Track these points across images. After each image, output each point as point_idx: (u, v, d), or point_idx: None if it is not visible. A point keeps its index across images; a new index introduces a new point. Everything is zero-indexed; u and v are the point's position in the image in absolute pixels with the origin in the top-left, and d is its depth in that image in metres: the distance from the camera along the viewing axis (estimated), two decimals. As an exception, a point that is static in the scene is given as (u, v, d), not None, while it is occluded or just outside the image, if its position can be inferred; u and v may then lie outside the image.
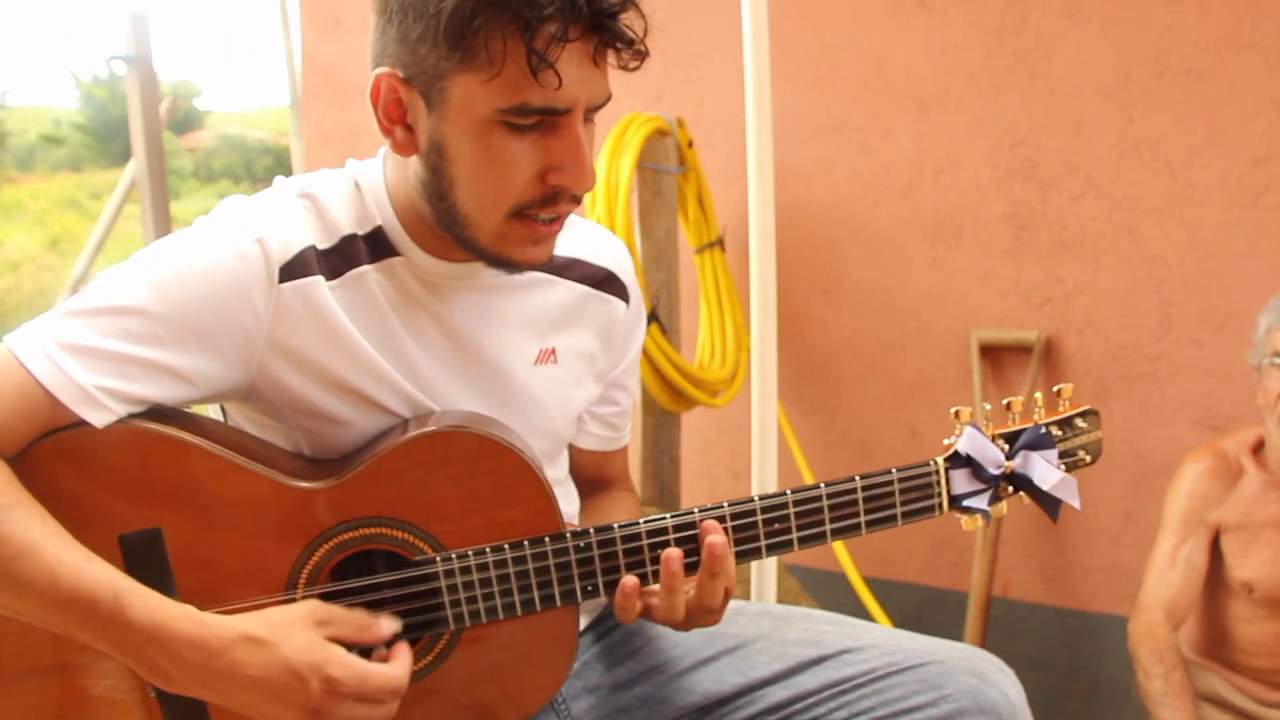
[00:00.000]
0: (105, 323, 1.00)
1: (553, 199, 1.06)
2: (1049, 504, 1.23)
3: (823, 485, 1.15)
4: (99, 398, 0.99)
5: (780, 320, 2.74)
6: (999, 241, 2.48)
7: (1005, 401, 1.25)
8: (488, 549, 1.08)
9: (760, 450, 1.73)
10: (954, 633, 2.33)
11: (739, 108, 2.65)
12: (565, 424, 1.28)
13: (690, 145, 2.57)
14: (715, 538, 1.10)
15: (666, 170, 2.44)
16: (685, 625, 1.14)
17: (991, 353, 2.52)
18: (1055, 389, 1.29)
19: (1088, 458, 1.29)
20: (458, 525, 1.09)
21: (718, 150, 2.70)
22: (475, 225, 1.07)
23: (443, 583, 1.08)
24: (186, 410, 1.10)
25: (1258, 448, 1.95)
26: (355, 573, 1.08)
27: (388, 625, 1.05)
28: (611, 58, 1.03)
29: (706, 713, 1.28)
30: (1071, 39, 2.32)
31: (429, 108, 1.03)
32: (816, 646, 1.26)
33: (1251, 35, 2.18)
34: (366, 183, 1.14)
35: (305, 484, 1.06)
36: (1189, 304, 2.32)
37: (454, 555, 1.08)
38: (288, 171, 1.89)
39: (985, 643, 2.44)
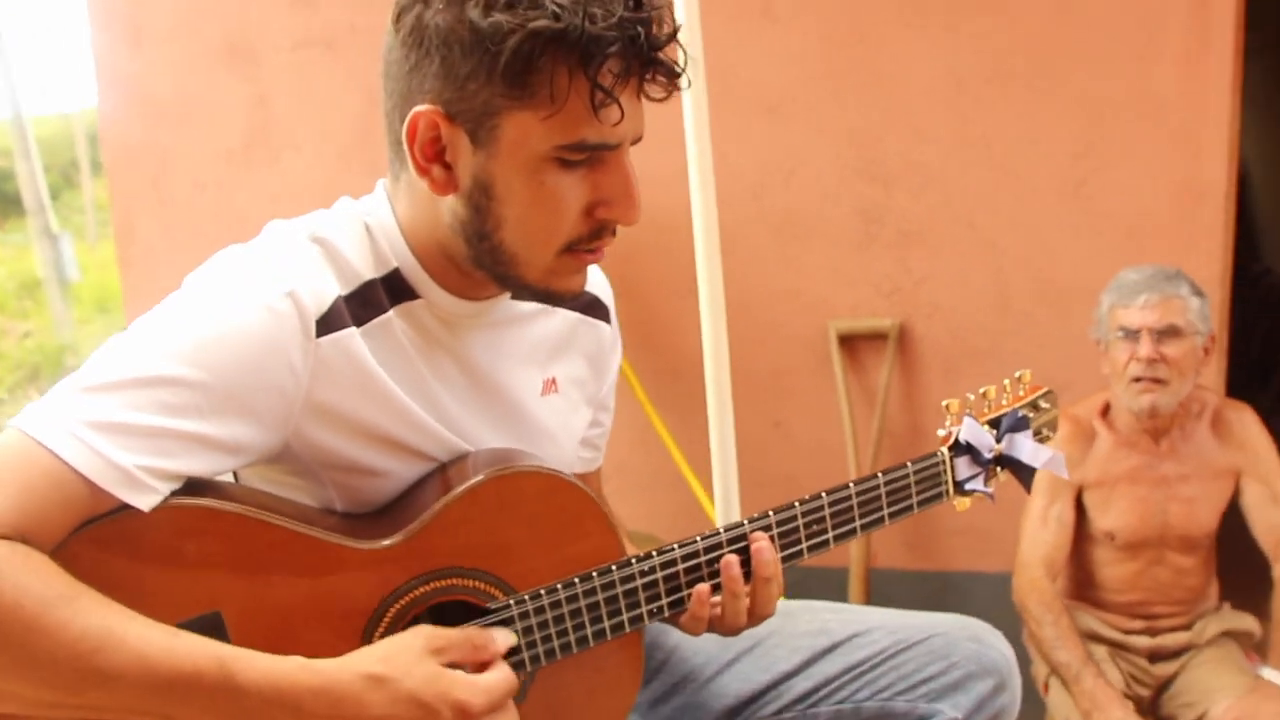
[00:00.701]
0: (137, 396, 0.92)
1: (599, 233, 1.07)
2: (1025, 477, 1.36)
3: (851, 484, 1.23)
4: (142, 479, 0.91)
5: (641, 324, 2.83)
6: (848, 237, 2.65)
7: (981, 390, 1.37)
8: (559, 586, 1.08)
9: (721, 457, 1.79)
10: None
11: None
12: (571, 453, 1.30)
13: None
14: (760, 544, 1.16)
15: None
16: (743, 629, 1.19)
17: (848, 342, 2.69)
18: (1016, 374, 1.41)
19: (1050, 434, 1.42)
20: (526, 566, 1.08)
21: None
22: (525, 263, 1.06)
23: (518, 626, 1.07)
24: (215, 479, 1.03)
25: (1105, 411, 2.19)
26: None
27: (502, 640, 1.03)
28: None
29: (737, 713, 1.34)
30: (908, 47, 2.51)
31: (475, 146, 1.00)
32: (827, 635, 1.34)
33: (1067, 42, 2.43)
34: (376, 223, 1.10)
35: (369, 544, 1.02)
36: (1023, 285, 2.56)
37: (526, 597, 1.07)
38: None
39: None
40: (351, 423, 1.06)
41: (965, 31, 2.47)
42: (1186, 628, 2.15)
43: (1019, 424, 1.35)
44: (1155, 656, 2.14)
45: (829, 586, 2.69)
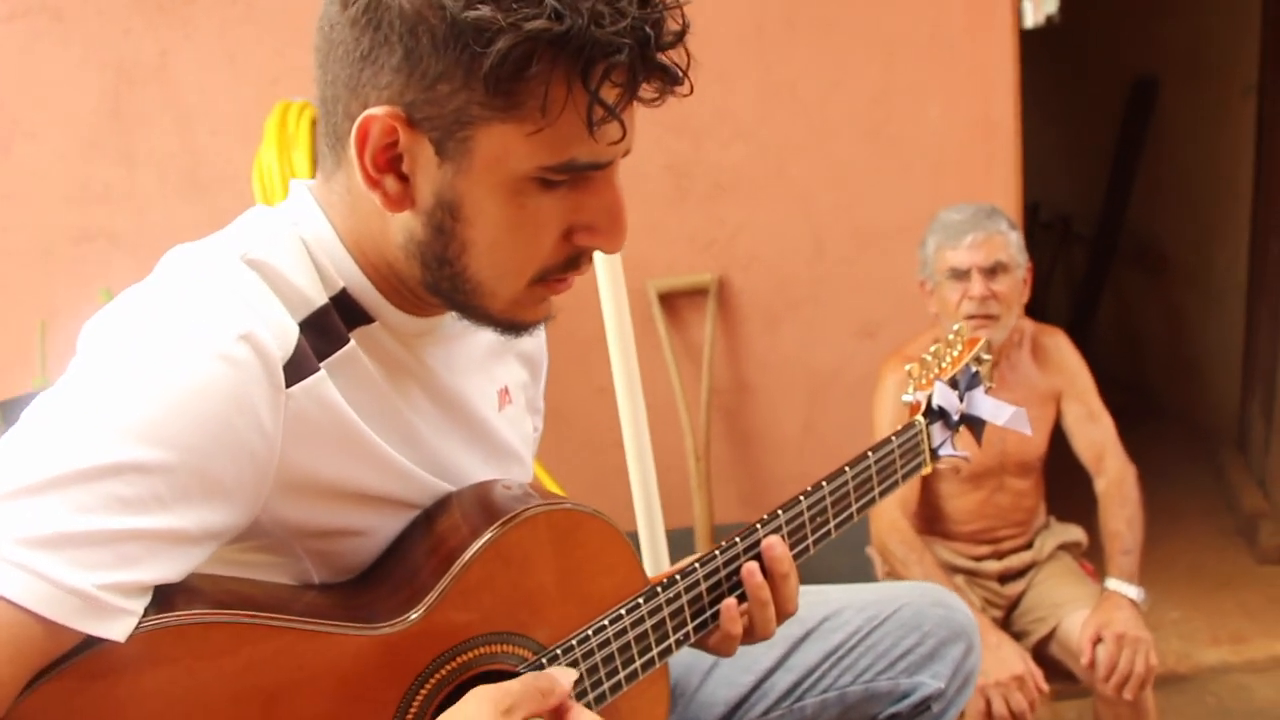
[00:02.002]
0: (82, 494, 0.71)
1: (575, 261, 0.91)
2: (979, 432, 1.34)
3: (846, 469, 1.16)
4: (107, 600, 0.71)
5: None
6: (661, 193, 2.57)
7: (934, 348, 1.34)
8: (590, 632, 0.95)
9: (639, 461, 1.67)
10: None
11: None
12: (530, 466, 1.17)
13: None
14: (771, 542, 1.08)
15: (330, 158, 2.20)
16: (773, 634, 1.11)
17: (669, 299, 2.62)
18: (955, 327, 1.39)
19: (992, 385, 1.41)
20: (553, 615, 0.95)
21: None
22: (490, 294, 0.89)
23: (551, 678, 0.94)
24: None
25: (936, 349, 2.25)
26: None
27: (565, 680, 0.88)
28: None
29: (729, 718, 1.26)
30: (709, -5, 2.44)
31: (441, 158, 0.82)
32: (799, 623, 1.29)
33: (858, -1, 2.46)
34: (313, 237, 0.90)
35: (382, 628, 0.85)
36: (836, 230, 2.58)
37: (558, 651, 0.94)
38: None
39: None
40: (330, 483, 0.88)
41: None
42: (1028, 546, 2.27)
43: (973, 381, 1.32)
44: (1004, 578, 2.24)
45: (677, 547, 2.64)
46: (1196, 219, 3.93)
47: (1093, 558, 2.31)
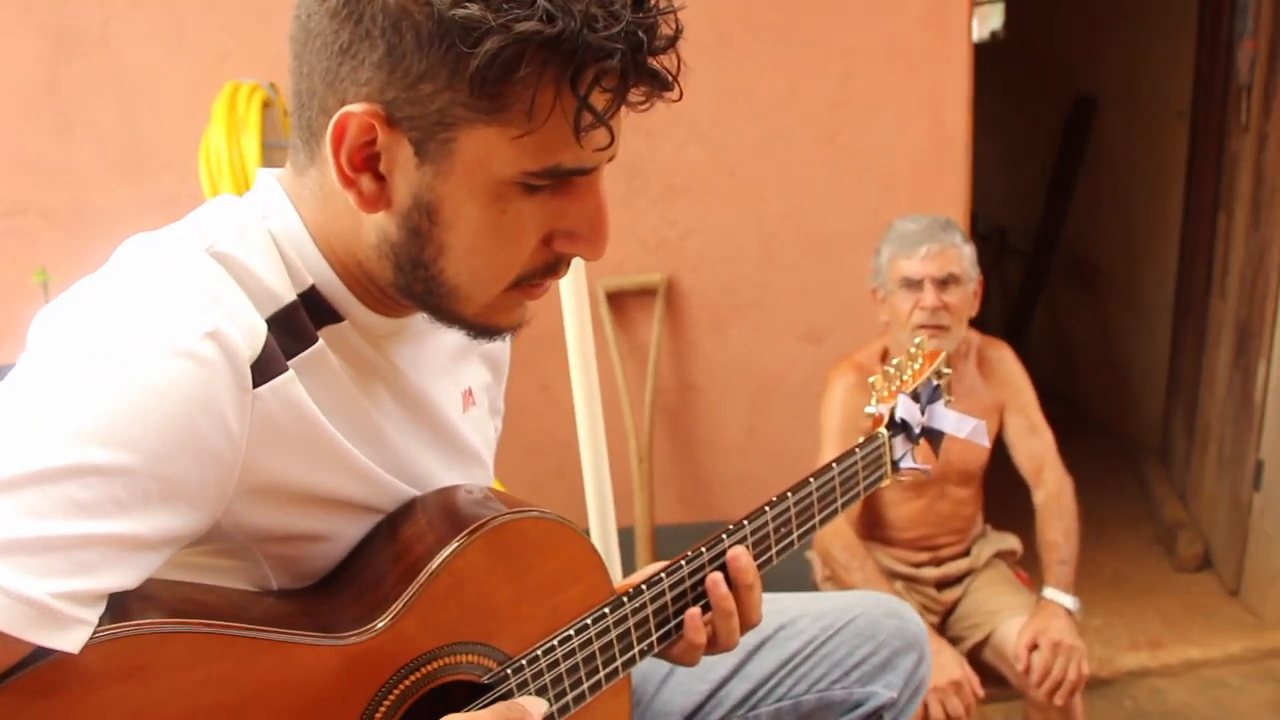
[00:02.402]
0: (35, 497, 0.67)
1: (554, 266, 0.89)
2: (938, 444, 1.36)
3: (811, 480, 1.17)
4: (62, 610, 0.67)
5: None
6: (613, 191, 2.52)
7: (895, 361, 1.35)
8: (555, 642, 0.94)
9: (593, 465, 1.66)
10: (630, 566, 2.44)
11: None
12: (491, 469, 1.15)
13: (286, 114, 2.29)
14: (736, 553, 1.08)
15: (279, 145, 2.16)
16: (736, 645, 1.11)
17: (617, 299, 2.62)
18: (916, 340, 1.40)
19: (951, 397, 1.43)
20: (519, 625, 0.93)
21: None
22: (465, 298, 0.87)
23: (518, 697, 0.92)
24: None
25: (884, 357, 2.27)
26: (427, 715, 0.89)
27: (536, 710, 0.87)
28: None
29: (684, 727, 1.26)
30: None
31: (420, 159, 0.80)
32: (755, 632, 1.28)
33: (817, 6, 2.47)
34: (281, 230, 0.87)
35: (347, 637, 0.82)
36: (786, 234, 2.59)
37: (523, 661, 0.93)
38: None
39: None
40: (295, 487, 0.85)
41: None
42: (965, 554, 2.30)
43: (934, 394, 1.34)
44: (941, 584, 2.27)
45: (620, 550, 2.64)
46: (1129, 237, 4.03)
47: (1027, 566, 2.36)
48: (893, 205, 2.50)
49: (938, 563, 2.28)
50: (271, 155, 2.12)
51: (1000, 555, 2.33)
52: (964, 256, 2.13)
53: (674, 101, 0.84)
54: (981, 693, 1.98)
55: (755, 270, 2.61)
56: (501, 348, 1.17)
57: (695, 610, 1.04)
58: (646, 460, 2.57)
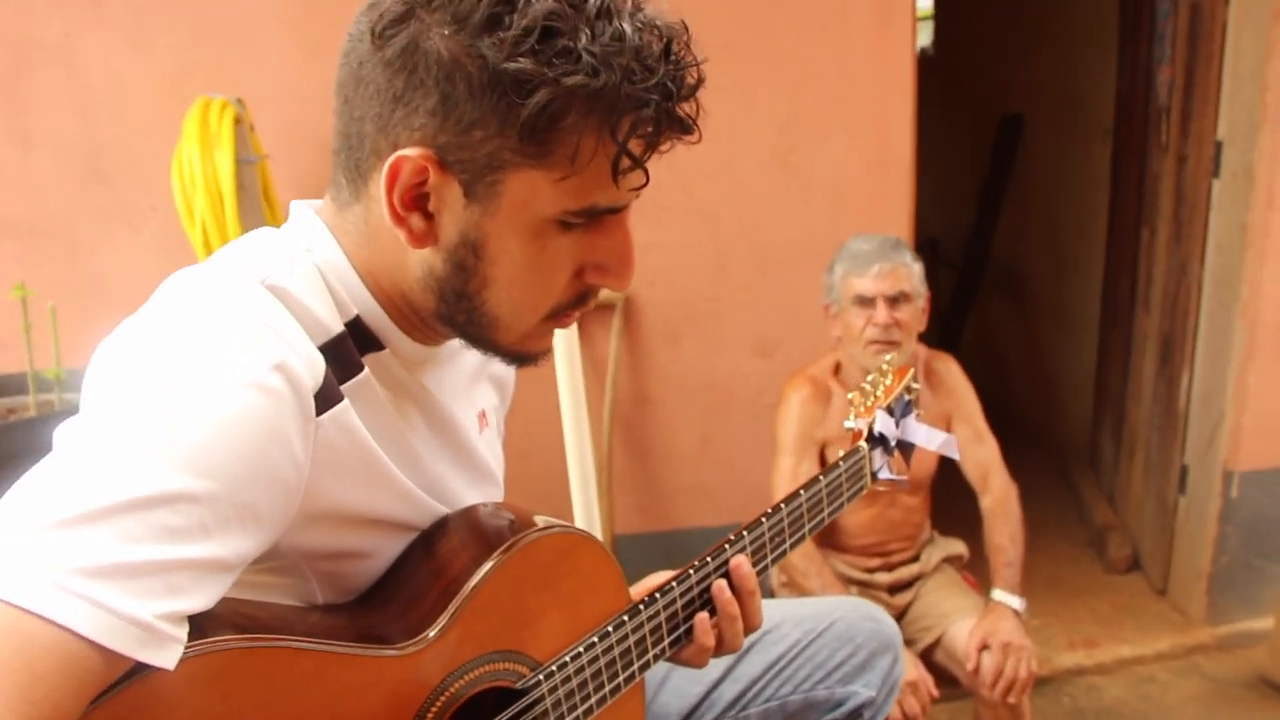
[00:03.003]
0: (132, 524, 0.71)
1: (584, 297, 0.96)
2: (908, 455, 1.45)
3: (801, 491, 1.24)
4: (162, 629, 0.71)
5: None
6: (573, 208, 2.61)
7: (870, 378, 1.43)
8: (581, 649, 1.01)
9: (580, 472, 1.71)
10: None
11: (286, 83, 2.44)
12: (502, 488, 1.21)
13: (253, 129, 2.31)
14: (738, 561, 1.15)
15: (250, 160, 2.17)
16: (740, 648, 1.18)
17: (577, 313, 2.67)
18: (887, 358, 1.48)
19: (920, 411, 1.52)
20: (546, 634, 1.00)
21: (265, 130, 2.44)
22: (505, 328, 0.93)
23: (548, 701, 0.99)
24: None
25: (837, 370, 2.36)
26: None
27: None
28: None
29: (678, 729, 1.33)
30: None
31: (469, 199, 0.86)
32: None
33: (770, 26, 2.55)
34: (326, 262, 0.92)
35: (401, 648, 0.88)
36: (739, 251, 2.67)
37: (554, 667, 0.99)
38: None
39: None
40: (347, 509, 0.91)
41: (679, 12, 2.50)
42: (915, 559, 2.40)
43: (906, 409, 1.42)
44: (893, 589, 2.37)
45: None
46: (1057, 251, 4.19)
47: (973, 569, 2.47)
48: (841, 224, 2.59)
49: (889, 568, 2.38)
50: (242, 171, 2.13)
51: (948, 560, 2.43)
52: (914, 274, 2.23)
53: (693, 144, 0.91)
54: (937, 693, 2.08)
55: (709, 286, 2.68)
56: (508, 371, 1.22)
57: (704, 615, 1.11)
58: (605, 470, 2.63)
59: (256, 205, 2.22)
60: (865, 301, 2.19)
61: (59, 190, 2.49)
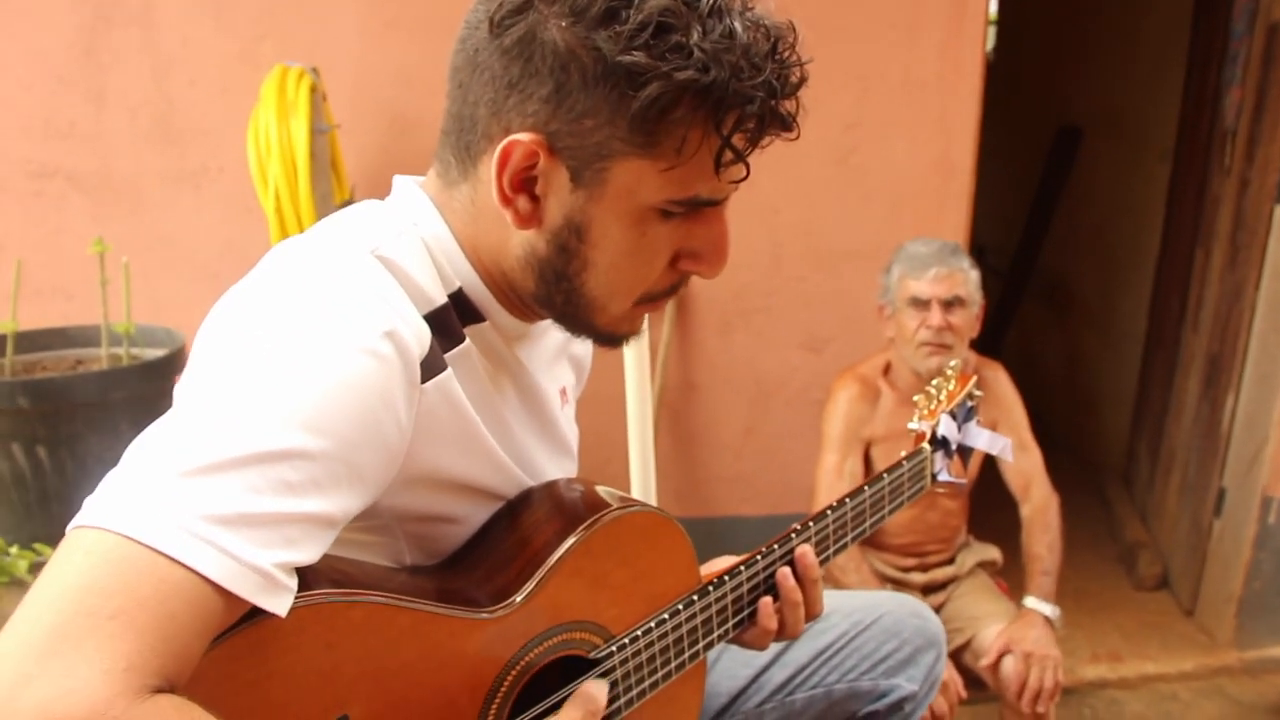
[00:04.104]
0: (255, 476, 0.74)
1: (676, 285, 0.99)
2: (967, 459, 1.47)
3: (865, 488, 1.27)
4: (279, 578, 0.75)
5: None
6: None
7: (934, 382, 1.46)
8: (653, 624, 1.04)
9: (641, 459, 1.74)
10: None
11: (358, 54, 2.48)
12: (577, 464, 1.24)
13: (326, 99, 2.35)
14: (803, 549, 1.18)
15: (322, 129, 2.21)
16: (801, 633, 1.21)
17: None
18: (952, 364, 1.51)
19: (981, 417, 1.54)
20: (621, 608, 1.03)
21: (336, 100, 2.48)
22: (600, 310, 0.96)
23: (619, 671, 1.02)
24: None
25: (887, 370, 2.39)
26: (539, 685, 0.98)
27: (599, 692, 0.97)
28: None
29: (726, 710, 1.36)
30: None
31: (575, 184, 0.89)
32: None
33: (840, 22, 2.56)
34: (432, 236, 0.96)
35: (488, 612, 0.91)
36: (795, 247, 2.70)
37: (626, 640, 1.02)
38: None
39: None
40: (443, 474, 0.95)
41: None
42: (950, 562, 2.43)
43: (969, 414, 1.44)
44: (927, 589, 2.40)
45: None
46: (1106, 267, 4.18)
47: (1007, 576, 2.49)
48: (898, 227, 2.61)
49: (924, 569, 2.40)
50: (314, 139, 2.18)
51: (982, 565, 2.46)
52: (970, 280, 2.25)
53: (791, 140, 0.94)
54: (965, 694, 2.11)
55: (763, 279, 2.71)
56: (586, 352, 1.26)
57: (768, 599, 1.15)
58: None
59: (325, 174, 2.26)
60: (920, 303, 2.22)
61: (130, 148, 2.55)
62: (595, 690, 0.97)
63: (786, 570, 1.16)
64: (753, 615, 1.15)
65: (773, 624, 1.15)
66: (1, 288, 2.37)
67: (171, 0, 2.46)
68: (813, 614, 1.19)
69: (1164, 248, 3.67)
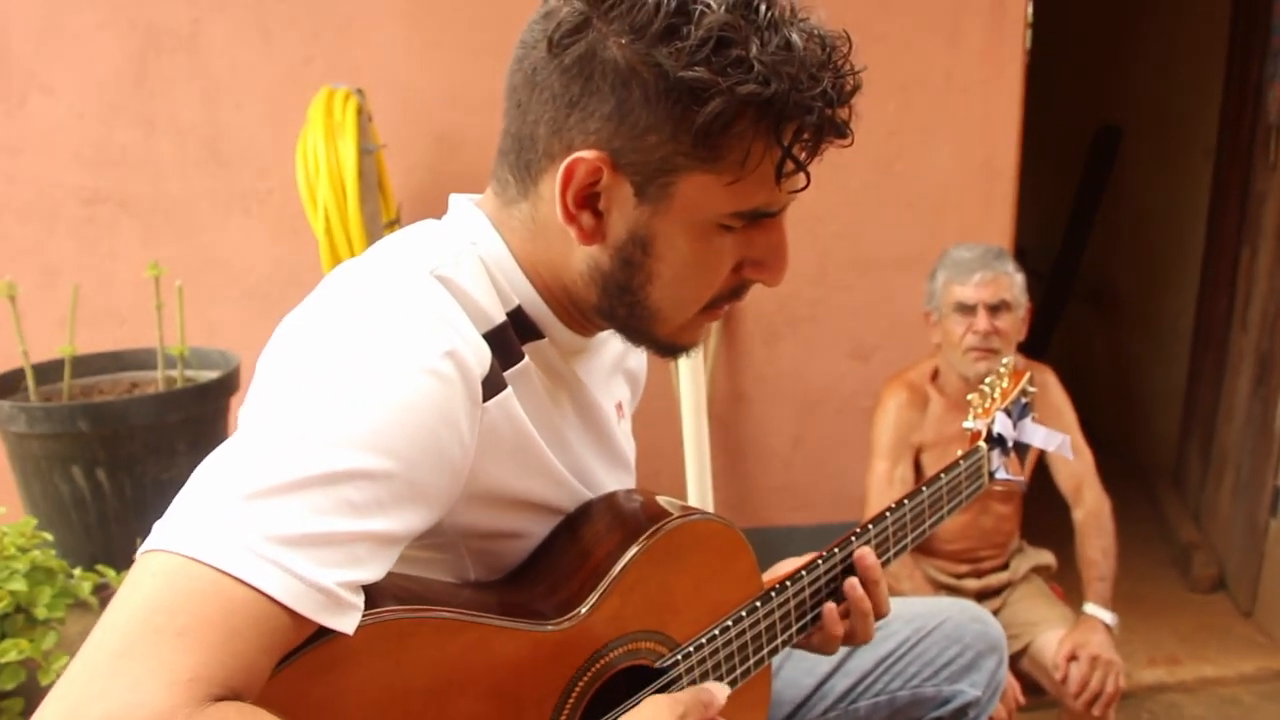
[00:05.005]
0: (319, 498, 0.75)
1: (738, 291, 1.00)
2: (1023, 456, 1.47)
3: (924, 489, 1.27)
4: (345, 597, 0.76)
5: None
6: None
7: (988, 380, 1.45)
8: (716, 631, 1.05)
9: (697, 463, 1.75)
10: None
11: (403, 74, 2.51)
12: (635, 477, 1.25)
13: (371, 119, 2.38)
14: (863, 551, 1.18)
15: (369, 150, 2.24)
16: (871, 637, 1.20)
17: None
18: (1004, 361, 1.50)
19: (1036, 414, 1.53)
20: (684, 617, 1.04)
21: (382, 120, 2.51)
22: (664, 320, 0.97)
23: (685, 680, 1.03)
24: None
25: (935, 376, 2.38)
26: (606, 696, 0.99)
27: (721, 695, 0.97)
28: None
29: (791, 717, 1.37)
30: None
31: (640, 200, 0.90)
32: None
33: (882, 29, 2.57)
34: (490, 256, 0.97)
35: (552, 624, 0.92)
36: (840, 254, 2.70)
37: (691, 648, 1.03)
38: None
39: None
40: (506, 491, 0.96)
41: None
42: (1005, 567, 2.41)
43: (1024, 411, 1.44)
44: (981, 596, 2.38)
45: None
46: (1150, 267, 4.14)
47: (1061, 581, 2.47)
48: (942, 233, 2.60)
49: (979, 575, 2.39)
50: (361, 160, 2.21)
51: (1036, 570, 2.44)
52: (1015, 284, 2.24)
53: (846, 147, 0.94)
54: (1023, 700, 2.09)
55: (809, 288, 2.71)
56: (640, 366, 1.27)
57: (831, 605, 1.15)
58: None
59: (374, 194, 2.29)
60: (966, 309, 2.21)
61: (180, 173, 2.59)
62: (718, 691, 0.97)
63: (854, 580, 1.16)
64: (816, 619, 1.15)
65: (838, 629, 1.15)
66: (58, 313, 2.42)
67: (218, 26, 2.51)
68: (880, 615, 1.19)
69: (1209, 246, 3.63)
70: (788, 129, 0.86)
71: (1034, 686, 2.25)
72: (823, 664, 1.37)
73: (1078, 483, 2.35)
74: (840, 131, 0.91)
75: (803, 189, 0.93)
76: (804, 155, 0.89)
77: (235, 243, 2.62)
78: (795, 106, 0.85)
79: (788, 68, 0.84)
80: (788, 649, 1.17)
